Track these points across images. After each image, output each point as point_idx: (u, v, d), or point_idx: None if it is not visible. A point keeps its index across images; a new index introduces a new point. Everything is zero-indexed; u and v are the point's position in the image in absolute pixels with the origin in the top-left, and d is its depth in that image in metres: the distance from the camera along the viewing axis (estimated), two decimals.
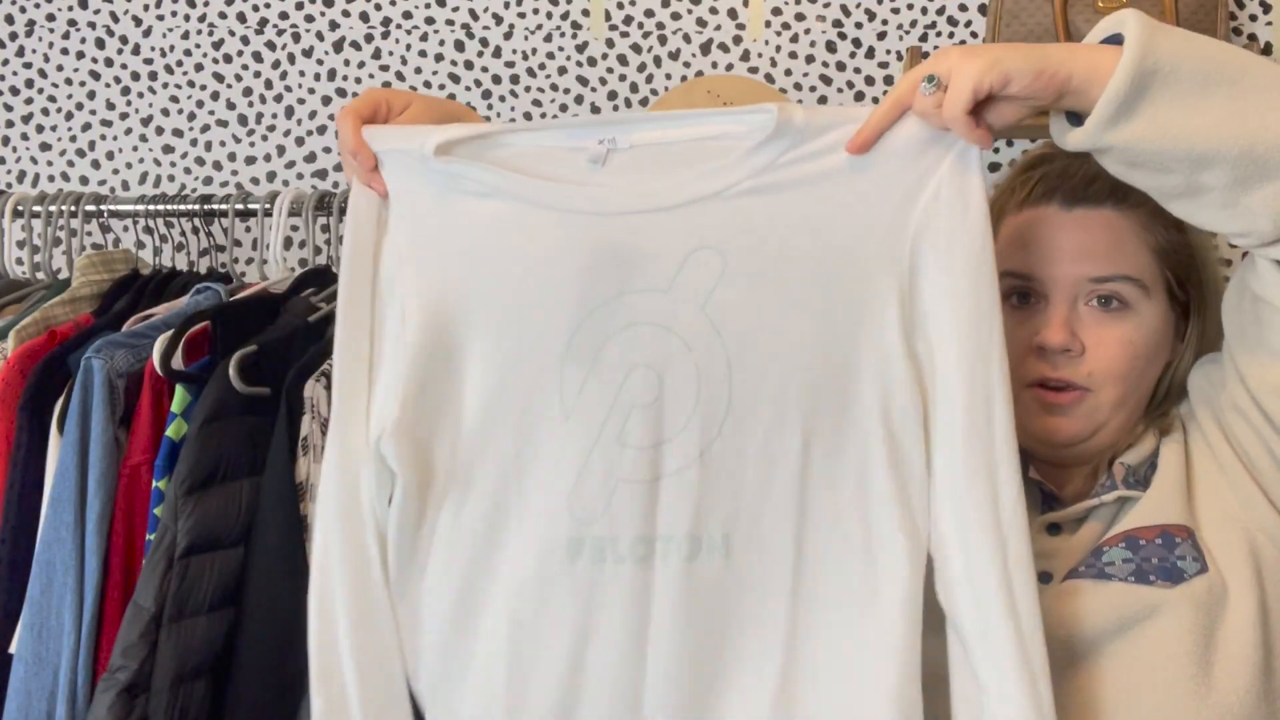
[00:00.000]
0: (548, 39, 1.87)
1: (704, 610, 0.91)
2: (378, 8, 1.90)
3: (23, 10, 1.96)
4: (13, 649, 1.24)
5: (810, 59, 1.83)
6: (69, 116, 1.95)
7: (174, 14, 1.93)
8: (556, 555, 0.91)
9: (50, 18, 1.95)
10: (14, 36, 1.96)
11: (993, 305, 0.88)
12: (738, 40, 1.84)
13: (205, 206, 1.59)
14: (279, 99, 1.91)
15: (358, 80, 1.90)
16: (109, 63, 1.94)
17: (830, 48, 1.83)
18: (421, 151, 0.92)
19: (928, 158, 0.88)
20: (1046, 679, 0.86)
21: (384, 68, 1.90)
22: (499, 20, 1.88)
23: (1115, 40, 0.85)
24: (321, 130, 1.91)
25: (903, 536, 0.88)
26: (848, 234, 0.89)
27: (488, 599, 0.93)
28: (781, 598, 0.91)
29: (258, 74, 1.92)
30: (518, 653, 0.92)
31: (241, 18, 1.92)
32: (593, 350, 0.91)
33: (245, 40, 1.92)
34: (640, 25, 1.86)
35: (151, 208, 1.61)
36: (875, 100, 1.81)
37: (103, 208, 1.62)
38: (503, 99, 1.88)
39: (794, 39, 1.83)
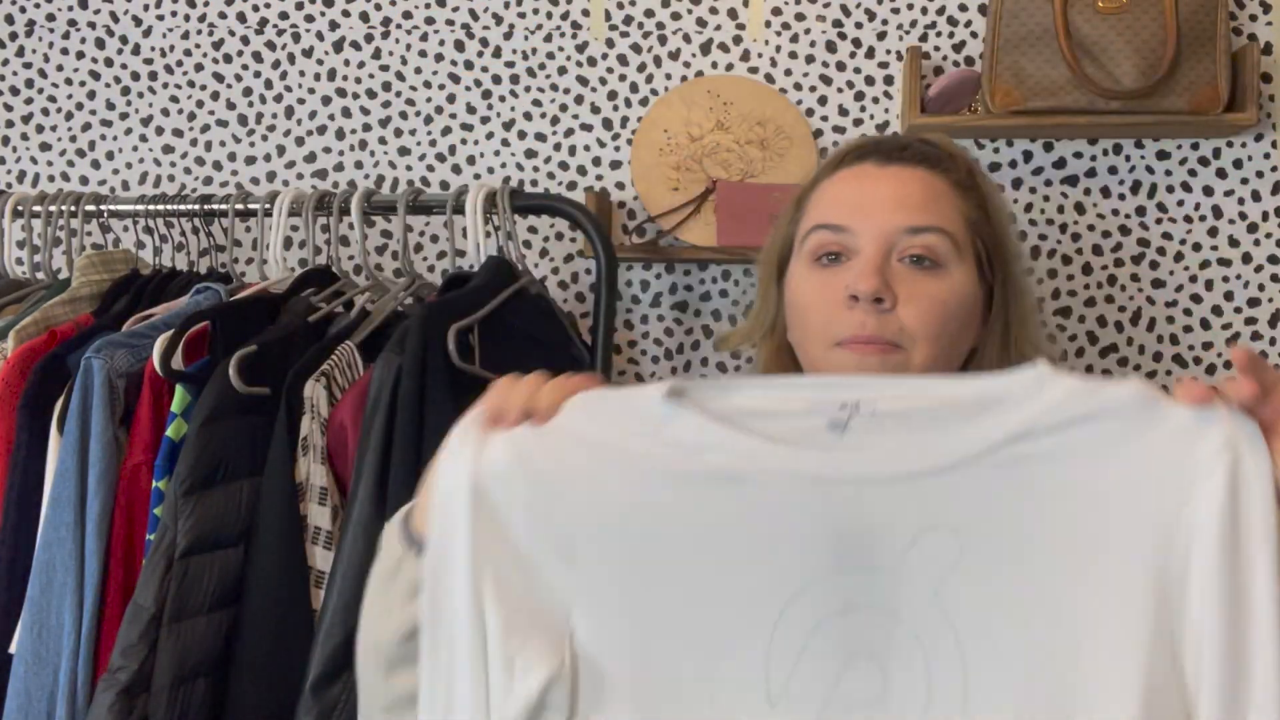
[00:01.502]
0: (548, 39, 1.87)
1: None
2: (378, 8, 1.90)
3: (23, 10, 1.96)
4: (13, 649, 1.25)
5: (810, 59, 1.83)
6: (69, 116, 1.95)
7: (174, 14, 1.93)
8: None
9: (50, 18, 1.95)
10: (14, 36, 1.96)
11: None
12: (738, 40, 1.84)
13: (205, 206, 1.59)
14: (279, 99, 1.91)
15: (358, 80, 1.90)
16: (109, 63, 1.94)
17: (830, 48, 1.83)
18: (646, 396, 0.82)
19: (1210, 443, 0.74)
20: None
21: (384, 68, 1.90)
22: (499, 20, 1.88)
23: None
24: (321, 130, 1.91)
25: None
26: (1104, 522, 0.75)
27: None
28: None
29: (258, 74, 1.92)
30: None
31: (241, 18, 1.92)
32: (803, 634, 0.78)
33: (245, 40, 1.92)
34: (640, 25, 1.86)
35: (151, 208, 1.61)
36: (875, 100, 1.82)
37: (103, 208, 1.62)
38: (503, 99, 1.87)
39: (794, 39, 1.83)
